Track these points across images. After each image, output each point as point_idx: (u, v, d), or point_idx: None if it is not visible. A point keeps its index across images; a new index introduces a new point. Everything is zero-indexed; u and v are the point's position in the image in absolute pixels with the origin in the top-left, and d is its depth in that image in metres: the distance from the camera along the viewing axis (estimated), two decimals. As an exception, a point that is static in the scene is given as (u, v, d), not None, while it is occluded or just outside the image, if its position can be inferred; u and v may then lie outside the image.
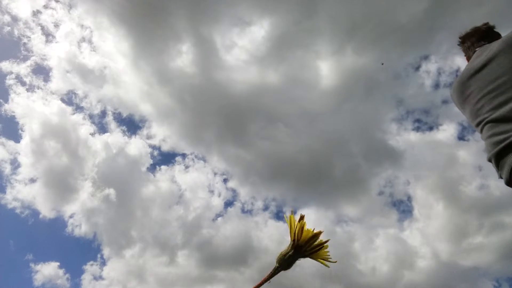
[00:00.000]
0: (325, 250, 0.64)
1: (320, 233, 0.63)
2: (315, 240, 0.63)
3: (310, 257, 0.64)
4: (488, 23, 1.59)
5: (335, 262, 0.64)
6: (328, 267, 0.64)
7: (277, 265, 0.63)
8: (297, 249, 0.63)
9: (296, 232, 0.63)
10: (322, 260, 0.64)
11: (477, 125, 1.39)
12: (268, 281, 0.62)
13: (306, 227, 0.63)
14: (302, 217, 0.64)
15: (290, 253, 0.63)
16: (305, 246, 0.63)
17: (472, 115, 1.42)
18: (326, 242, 0.63)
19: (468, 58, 1.58)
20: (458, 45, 1.67)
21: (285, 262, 0.63)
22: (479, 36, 1.57)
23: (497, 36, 1.55)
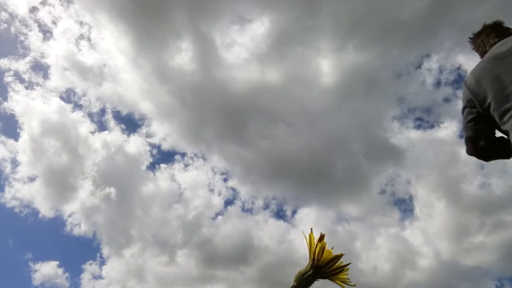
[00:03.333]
0: (345, 272, 0.62)
1: (341, 255, 0.61)
2: (336, 262, 0.61)
3: (329, 279, 0.63)
4: (496, 20, 1.69)
5: (354, 285, 0.62)
6: (347, 290, 0.63)
7: (295, 284, 0.62)
8: (316, 269, 0.62)
9: (316, 252, 0.61)
10: (341, 283, 0.62)
11: (505, 112, 1.40)
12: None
13: (327, 246, 0.62)
14: (322, 237, 0.62)
15: (309, 273, 0.62)
16: (325, 267, 0.61)
17: (499, 100, 1.42)
18: (347, 265, 0.61)
19: (483, 52, 1.65)
20: (470, 42, 1.75)
21: (304, 281, 0.62)
22: (491, 30, 1.66)
23: (507, 30, 1.65)
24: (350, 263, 0.61)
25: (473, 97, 1.53)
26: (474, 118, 1.55)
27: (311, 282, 0.62)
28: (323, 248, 0.61)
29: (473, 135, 1.56)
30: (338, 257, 0.61)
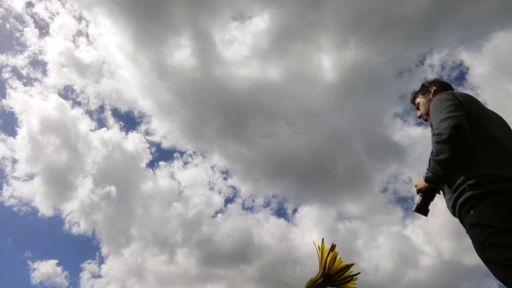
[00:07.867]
0: (354, 282, 0.64)
1: (351, 265, 0.64)
2: (346, 271, 0.64)
3: (338, 287, 0.65)
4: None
5: (362, 295, 0.65)
6: (354, 299, 0.65)
7: (306, 291, 0.64)
8: (327, 277, 0.64)
9: (328, 261, 0.64)
10: (349, 292, 0.65)
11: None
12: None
13: (338, 257, 0.64)
14: (333, 247, 0.65)
15: (319, 281, 0.64)
16: (335, 276, 0.64)
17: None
18: (356, 274, 0.64)
19: (434, 93, 1.82)
20: (417, 96, 1.93)
21: (314, 289, 0.64)
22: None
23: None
24: (359, 273, 0.64)
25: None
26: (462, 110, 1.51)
27: (321, 290, 0.64)
28: (334, 258, 0.64)
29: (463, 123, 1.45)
30: (348, 266, 0.63)
